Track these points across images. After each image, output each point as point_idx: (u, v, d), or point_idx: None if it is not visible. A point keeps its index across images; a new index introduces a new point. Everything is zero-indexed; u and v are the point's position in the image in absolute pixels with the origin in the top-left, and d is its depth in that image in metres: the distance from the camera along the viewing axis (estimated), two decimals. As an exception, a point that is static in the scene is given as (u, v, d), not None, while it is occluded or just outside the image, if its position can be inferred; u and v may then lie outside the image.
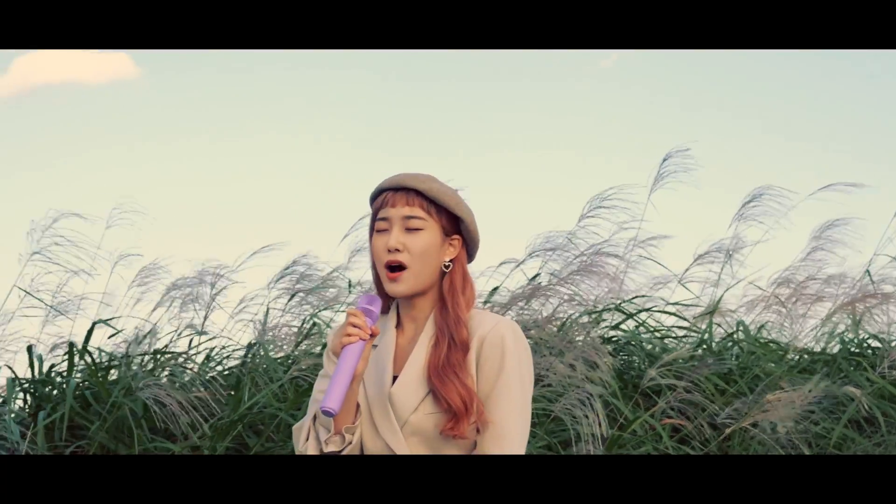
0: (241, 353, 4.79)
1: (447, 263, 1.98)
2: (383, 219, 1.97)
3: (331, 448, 1.92)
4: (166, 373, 4.54)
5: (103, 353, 4.58)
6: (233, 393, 4.43)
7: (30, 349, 4.44)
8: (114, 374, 4.51)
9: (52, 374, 4.50)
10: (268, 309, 4.91)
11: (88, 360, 4.44)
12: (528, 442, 3.88)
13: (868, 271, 5.54)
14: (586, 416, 3.84)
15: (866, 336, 5.27)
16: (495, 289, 5.13)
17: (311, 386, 4.30)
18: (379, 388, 1.96)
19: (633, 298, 5.16)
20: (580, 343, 4.42)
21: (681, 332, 5.19)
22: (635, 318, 5.06)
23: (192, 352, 4.78)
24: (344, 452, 1.93)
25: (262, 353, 4.64)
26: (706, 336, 5.01)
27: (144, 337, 4.63)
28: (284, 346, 4.82)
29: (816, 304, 5.37)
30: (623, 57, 7.47)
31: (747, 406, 4.17)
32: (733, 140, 7.36)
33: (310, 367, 4.30)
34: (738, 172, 7.16)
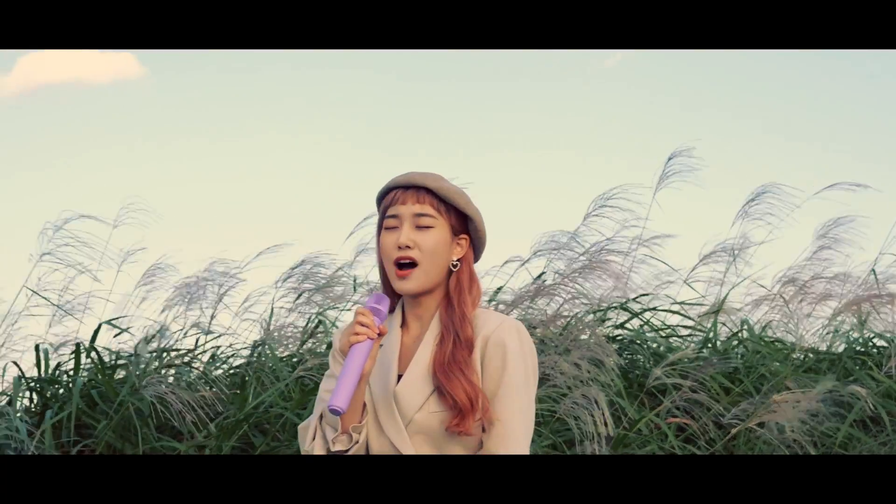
0: (247, 352, 4.80)
1: (455, 262, 1.99)
2: (393, 216, 1.98)
3: (337, 447, 1.93)
4: (172, 372, 4.55)
5: (110, 353, 4.59)
6: (238, 392, 4.44)
7: (37, 348, 4.45)
8: (120, 374, 4.52)
9: (59, 374, 4.51)
10: (273, 308, 4.91)
11: (95, 358, 4.45)
12: (534, 441, 3.89)
13: (874, 270, 5.54)
14: (592, 416, 3.85)
15: (872, 335, 5.27)
16: (500, 288, 5.14)
17: (316, 385, 4.30)
18: (384, 387, 1.96)
19: (638, 297, 5.16)
20: (585, 341, 4.42)
21: (685, 331, 5.20)
22: (640, 317, 5.06)
23: (197, 351, 4.79)
24: (350, 452, 1.93)
25: (269, 353, 4.64)
26: (711, 335, 5.01)
27: (153, 337, 4.64)
28: (290, 345, 4.83)
29: (822, 303, 5.37)
30: (626, 57, 7.47)
31: (753, 406, 4.17)
32: (733, 140, 7.36)
33: (315, 367, 4.31)
34: (739, 172, 7.16)
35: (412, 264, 1.95)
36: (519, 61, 7.29)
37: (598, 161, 7.32)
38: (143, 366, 4.40)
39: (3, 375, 4.56)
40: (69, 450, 4.08)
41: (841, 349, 5.15)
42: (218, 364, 4.81)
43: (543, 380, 4.08)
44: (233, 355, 4.87)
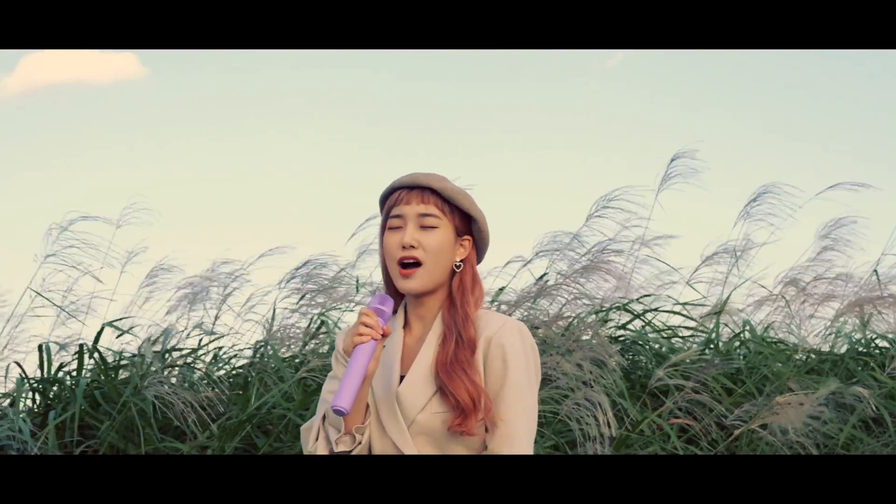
0: (250, 352, 4.80)
1: (458, 263, 2.00)
2: (397, 216, 1.98)
3: (341, 448, 1.93)
4: (175, 372, 4.55)
5: (114, 353, 4.60)
6: (241, 393, 4.44)
7: (40, 347, 4.46)
8: (124, 374, 4.52)
9: (61, 374, 4.52)
10: (275, 309, 4.92)
11: (98, 359, 4.46)
12: (536, 442, 3.89)
13: (876, 271, 5.54)
14: (595, 419, 3.85)
15: (874, 336, 5.27)
16: (502, 289, 5.14)
17: (319, 386, 4.31)
18: (386, 388, 1.97)
19: (640, 298, 5.17)
20: (587, 342, 4.42)
21: (687, 332, 5.20)
22: (642, 317, 5.06)
23: (200, 352, 4.79)
24: (353, 452, 1.93)
25: (272, 353, 4.65)
26: (713, 336, 5.02)
27: (158, 338, 4.65)
28: (292, 346, 4.84)
29: (824, 304, 5.37)
30: (627, 57, 7.48)
31: (756, 408, 4.17)
32: (733, 140, 7.37)
33: (318, 368, 4.31)
34: (739, 172, 7.17)
35: (416, 264, 1.96)
36: (519, 61, 7.30)
37: (599, 161, 7.33)
38: (145, 366, 4.40)
39: (5, 376, 4.56)
40: (72, 450, 4.08)
41: (843, 350, 5.15)
42: (220, 365, 4.81)
43: (546, 381, 4.08)
44: (235, 356, 4.88)
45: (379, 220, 2.05)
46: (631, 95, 7.54)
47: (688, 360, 4.40)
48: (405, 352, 2.00)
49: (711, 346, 4.98)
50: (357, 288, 5.02)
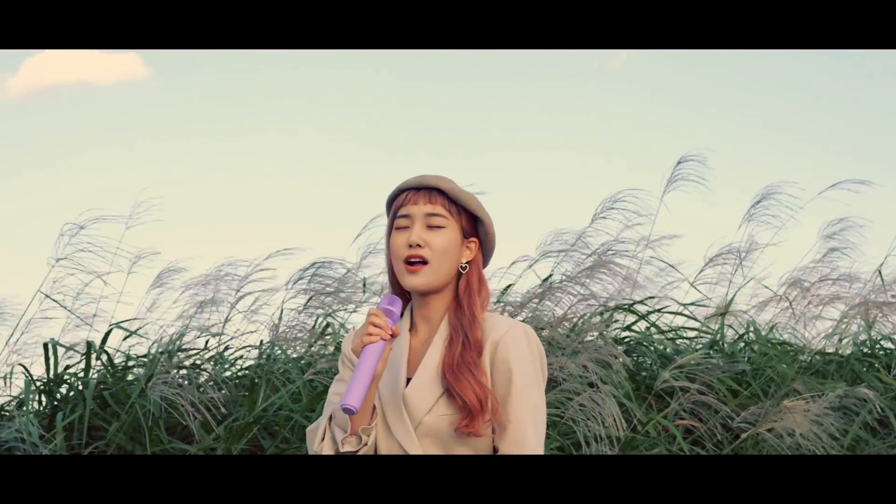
0: (256, 354, 4.80)
1: (464, 265, 2.01)
2: (404, 216, 1.99)
3: (346, 448, 1.94)
4: (183, 373, 4.55)
5: (122, 354, 4.60)
6: (247, 394, 4.44)
7: (46, 347, 4.46)
8: (131, 376, 4.52)
9: (67, 376, 4.52)
10: (282, 310, 4.92)
11: (105, 360, 4.46)
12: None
13: (880, 272, 5.54)
14: (601, 419, 3.85)
15: (879, 337, 5.28)
16: (507, 287, 5.14)
17: (325, 388, 4.31)
18: (392, 390, 1.98)
19: (646, 300, 5.17)
20: (592, 343, 4.43)
21: (692, 333, 5.20)
22: (646, 318, 5.07)
23: (207, 354, 4.80)
24: (359, 453, 1.94)
25: (280, 353, 4.66)
26: (718, 337, 5.02)
27: (170, 341, 4.65)
28: (298, 347, 4.84)
29: (828, 304, 5.37)
30: (631, 57, 7.48)
31: (763, 410, 4.17)
32: (734, 140, 7.38)
33: (325, 370, 4.31)
34: (740, 172, 7.17)
35: (422, 262, 1.97)
36: (519, 61, 7.30)
37: (602, 161, 7.34)
38: (152, 368, 4.40)
39: (10, 377, 4.56)
40: (80, 452, 4.08)
41: (848, 352, 5.15)
42: (226, 366, 4.81)
43: (551, 382, 4.09)
44: (241, 357, 4.88)
45: (384, 221, 2.06)
46: (633, 95, 7.55)
47: (693, 363, 4.41)
48: (411, 354, 2.01)
49: (716, 347, 4.99)
50: (364, 289, 5.03)
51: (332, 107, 7.32)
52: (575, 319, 4.79)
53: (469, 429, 1.90)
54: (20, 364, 4.48)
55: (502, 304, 4.93)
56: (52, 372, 4.44)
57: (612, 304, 5.01)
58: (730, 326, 5.26)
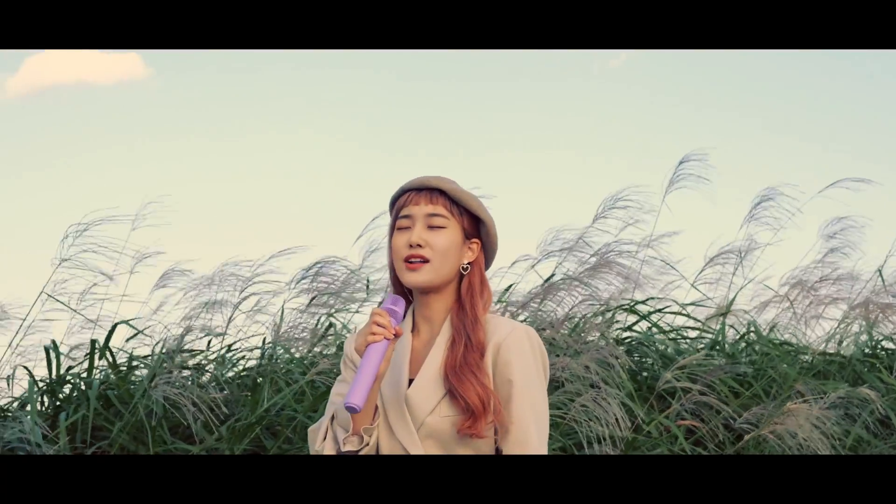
0: (258, 353, 4.81)
1: (465, 266, 2.01)
2: (406, 216, 2.00)
3: (348, 448, 1.95)
4: (186, 373, 4.56)
5: (126, 353, 4.61)
6: (249, 394, 4.45)
7: (47, 349, 4.46)
8: (134, 376, 4.53)
9: (70, 376, 4.52)
10: (283, 310, 4.92)
11: (109, 359, 4.46)
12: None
13: (880, 272, 5.54)
14: (605, 422, 3.86)
15: (881, 338, 5.28)
16: (509, 287, 5.15)
17: (328, 388, 4.31)
18: (395, 390, 1.98)
19: (647, 300, 5.18)
20: (594, 343, 4.43)
21: (693, 334, 5.21)
22: (648, 319, 5.07)
23: (211, 355, 4.80)
24: (361, 453, 1.95)
25: (283, 353, 4.66)
26: (720, 338, 5.02)
27: (175, 341, 4.65)
28: (300, 347, 4.84)
29: (830, 305, 5.37)
30: (631, 57, 7.48)
31: (766, 412, 4.18)
32: (734, 139, 7.38)
33: (328, 370, 4.31)
34: (740, 172, 7.18)
35: (423, 261, 1.98)
36: (519, 61, 7.30)
37: (602, 161, 7.34)
38: (155, 367, 4.41)
39: (12, 379, 4.56)
40: (83, 452, 4.09)
41: (850, 352, 5.15)
42: (228, 367, 4.82)
43: (553, 383, 4.09)
44: (243, 357, 4.88)
45: (385, 220, 2.07)
46: (633, 95, 7.55)
47: (695, 363, 4.41)
48: (413, 355, 2.02)
49: (717, 347, 4.99)
50: (367, 289, 5.03)
51: (332, 107, 7.33)
52: (576, 320, 4.80)
53: (471, 430, 1.91)
54: (23, 366, 4.48)
55: (504, 303, 4.93)
56: (54, 372, 4.45)
57: (613, 304, 5.01)
58: (731, 327, 5.26)
